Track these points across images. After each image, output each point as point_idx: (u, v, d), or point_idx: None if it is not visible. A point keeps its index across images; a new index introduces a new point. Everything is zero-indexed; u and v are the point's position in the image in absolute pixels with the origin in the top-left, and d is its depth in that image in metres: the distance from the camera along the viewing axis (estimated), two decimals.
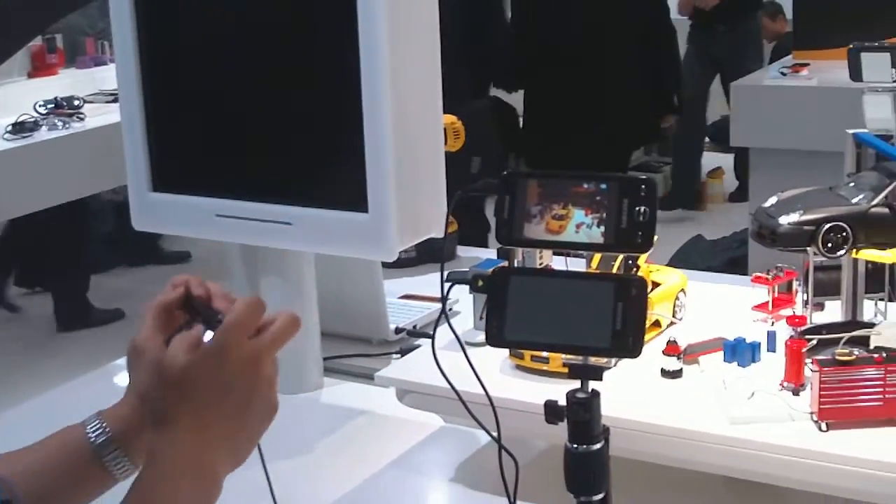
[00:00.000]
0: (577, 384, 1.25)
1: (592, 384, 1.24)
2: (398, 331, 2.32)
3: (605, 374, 1.70)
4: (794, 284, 1.83)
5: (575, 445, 1.23)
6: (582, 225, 1.23)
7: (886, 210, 1.60)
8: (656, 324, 1.85)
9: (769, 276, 1.81)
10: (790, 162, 4.54)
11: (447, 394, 1.46)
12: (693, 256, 5.18)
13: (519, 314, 1.23)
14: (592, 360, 1.24)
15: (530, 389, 1.66)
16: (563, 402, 1.24)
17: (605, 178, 1.23)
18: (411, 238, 1.90)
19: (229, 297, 1.37)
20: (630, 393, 1.66)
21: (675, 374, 1.69)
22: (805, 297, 1.80)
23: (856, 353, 1.57)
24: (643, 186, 1.22)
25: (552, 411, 1.24)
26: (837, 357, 1.53)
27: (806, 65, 4.98)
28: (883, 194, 1.61)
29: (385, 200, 1.82)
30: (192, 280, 1.37)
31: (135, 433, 1.32)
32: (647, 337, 1.81)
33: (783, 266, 1.83)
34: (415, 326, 2.33)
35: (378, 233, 1.84)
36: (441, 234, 1.95)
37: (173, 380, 1.19)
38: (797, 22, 5.57)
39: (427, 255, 2.62)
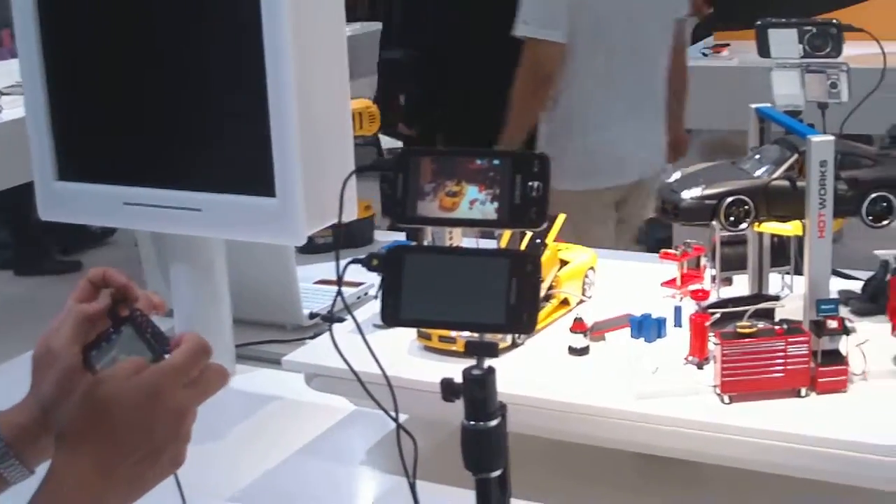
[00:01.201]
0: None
1: (488, 361, 1.23)
2: (312, 316, 2.31)
3: (514, 353, 1.72)
4: (703, 260, 1.84)
5: (472, 423, 1.23)
6: (475, 201, 1.22)
7: (787, 183, 1.61)
8: (565, 302, 1.85)
9: (678, 253, 1.81)
10: (712, 142, 4.58)
11: (352, 376, 1.45)
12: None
13: (414, 293, 1.22)
14: (488, 336, 1.23)
15: (437, 370, 1.63)
16: (460, 379, 1.24)
17: (499, 155, 1.23)
18: (320, 222, 1.89)
19: (150, 297, 1.34)
20: (537, 371, 1.66)
21: (583, 352, 1.70)
22: (713, 273, 1.81)
23: (759, 325, 1.58)
24: (536, 162, 1.21)
25: (449, 389, 1.23)
26: (738, 330, 1.53)
27: (727, 45, 5.01)
28: (783, 167, 1.61)
29: (292, 185, 1.80)
30: (111, 273, 1.34)
31: (30, 440, 1.28)
32: (556, 315, 1.82)
33: (692, 242, 1.83)
34: (330, 311, 2.31)
35: (286, 217, 1.83)
36: (353, 218, 1.95)
37: (97, 404, 1.15)
38: (718, 1, 5.59)
39: (345, 239, 2.61)
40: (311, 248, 2.68)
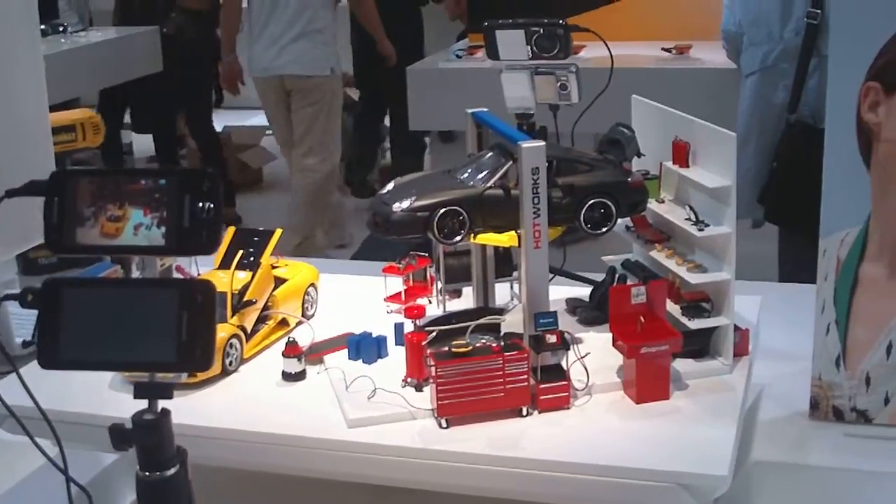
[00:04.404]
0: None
1: (162, 403, 1.11)
2: (27, 344, 2.14)
3: (225, 381, 1.60)
4: (430, 271, 1.75)
5: (146, 473, 1.10)
6: (141, 226, 1.10)
7: (501, 192, 1.52)
8: (283, 323, 1.74)
9: (401, 266, 1.72)
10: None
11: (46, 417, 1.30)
12: (376, 251, 5.11)
13: (75, 331, 1.09)
14: (160, 376, 1.11)
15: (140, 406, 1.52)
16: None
17: (164, 173, 1.11)
18: (19, 245, 1.76)
19: None
20: (247, 400, 1.54)
21: (298, 377, 1.59)
22: (441, 285, 1.73)
23: (478, 343, 1.50)
24: (206, 181, 1.09)
25: (119, 436, 1.11)
26: (454, 350, 1.45)
27: (481, 47, 4.95)
28: (497, 176, 1.53)
29: None
30: None
31: None
32: (273, 337, 1.71)
33: (416, 254, 1.74)
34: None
35: None
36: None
37: None
38: (471, 4, 5.54)
39: (71, 260, 2.46)
40: (34, 270, 2.52)
